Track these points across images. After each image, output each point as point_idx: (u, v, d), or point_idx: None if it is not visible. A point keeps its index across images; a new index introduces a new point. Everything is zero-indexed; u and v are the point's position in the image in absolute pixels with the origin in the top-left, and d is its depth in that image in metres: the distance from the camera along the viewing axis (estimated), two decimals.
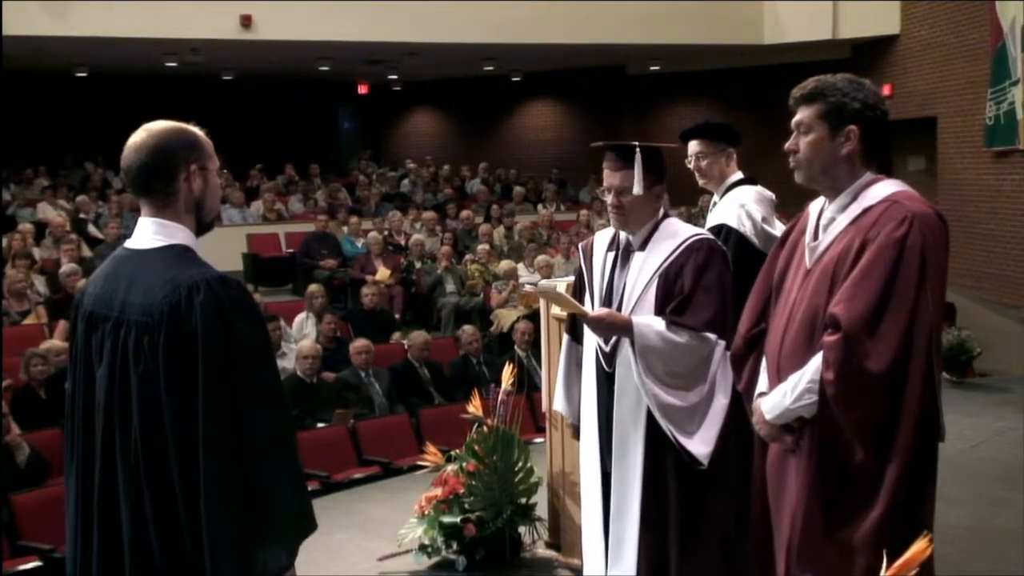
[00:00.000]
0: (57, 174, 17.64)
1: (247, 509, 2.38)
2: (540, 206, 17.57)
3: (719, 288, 3.84)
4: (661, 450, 3.82)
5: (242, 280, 4.37)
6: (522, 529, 5.47)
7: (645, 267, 3.92)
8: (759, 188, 4.75)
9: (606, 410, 3.96)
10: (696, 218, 13.34)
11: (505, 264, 12.79)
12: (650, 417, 3.82)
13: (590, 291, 4.09)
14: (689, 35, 16.40)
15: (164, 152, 2.57)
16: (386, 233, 14.52)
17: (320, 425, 8.62)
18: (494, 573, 5.30)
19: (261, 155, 19.28)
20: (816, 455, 2.97)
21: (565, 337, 4.35)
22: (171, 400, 2.41)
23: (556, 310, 5.00)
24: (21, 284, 10.64)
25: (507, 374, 5.48)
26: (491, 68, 19.51)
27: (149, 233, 2.59)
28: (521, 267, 13.01)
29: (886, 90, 15.77)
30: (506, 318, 11.43)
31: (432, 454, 5.67)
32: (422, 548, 5.40)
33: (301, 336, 10.56)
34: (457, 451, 5.52)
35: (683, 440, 3.77)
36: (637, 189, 3.87)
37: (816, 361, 2.96)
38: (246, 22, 14.63)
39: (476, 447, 5.39)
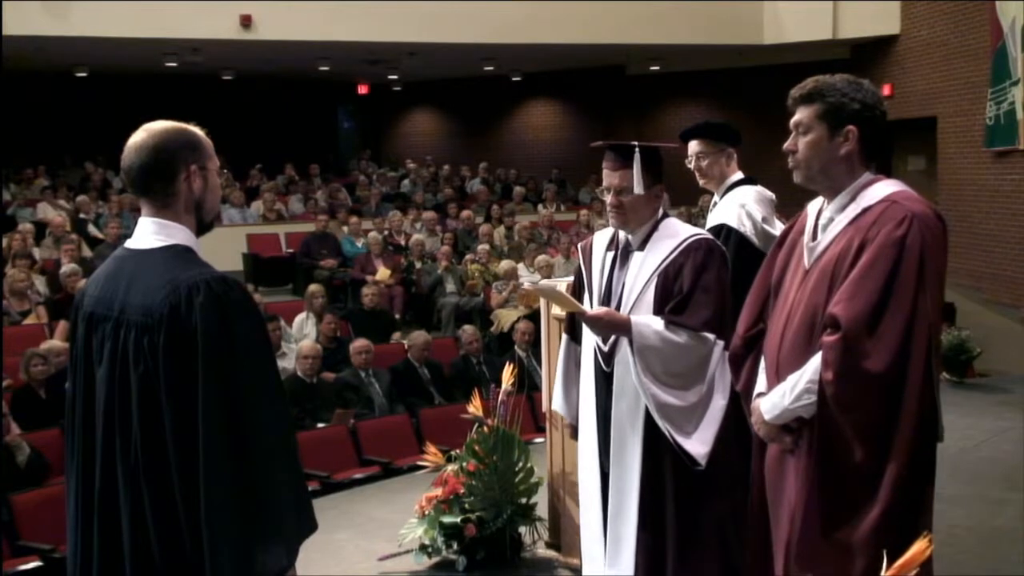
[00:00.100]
0: (57, 174, 17.63)
1: (247, 509, 2.38)
2: (540, 206, 17.57)
3: (718, 288, 3.84)
4: (659, 450, 3.82)
5: (242, 280, 4.37)
6: (522, 529, 5.47)
7: (644, 267, 3.92)
8: (759, 188, 4.76)
9: (604, 410, 3.96)
10: (696, 218, 13.34)
11: (505, 264, 12.80)
12: (648, 417, 3.82)
13: (589, 290, 4.09)
14: (689, 35, 16.41)
15: (164, 152, 2.57)
16: (386, 233, 14.52)
17: (320, 425, 8.62)
18: (494, 573, 5.30)
19: (261, 155, 19.27)
20: (815, 455, 2.97)
21: (563, 337, 4.35)
22: (171, 400, 2.41)
23: (556, 310, 5.00)
24: (22, 283, 10.64)
25: (507, 374, 5.48)
26: (491, 68, 19.51)
27: (149, 233, 2.59)
28: (521, 267, 13.01)
29: (886, 90, 15.79)
30: (506, 318, 11.44)
31: (432, 454, 5.66)
32: (422, 548, 5.40)
33: (301, 336, 10.56)
34: (457, 451, 5.52)
35: (681, 440, 3.77)
36: (637, 189, 3.87)
37: (815, 361, 2.96)
38: (246, 22, 14.63)
39: (476, 447, 5.39)
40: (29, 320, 10.39)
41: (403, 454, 8.19)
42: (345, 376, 9.34)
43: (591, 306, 3.99)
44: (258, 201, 16.15)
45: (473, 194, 18.59)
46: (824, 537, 2.96)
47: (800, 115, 3.10)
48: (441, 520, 5.34)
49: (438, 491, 5.45)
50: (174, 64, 16.76)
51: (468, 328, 10.55)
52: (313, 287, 11.43)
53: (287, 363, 9.49)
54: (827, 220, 3.11)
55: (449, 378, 9.88)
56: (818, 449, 2.97)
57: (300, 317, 10.98)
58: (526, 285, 11.84)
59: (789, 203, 4.51)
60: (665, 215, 4.04)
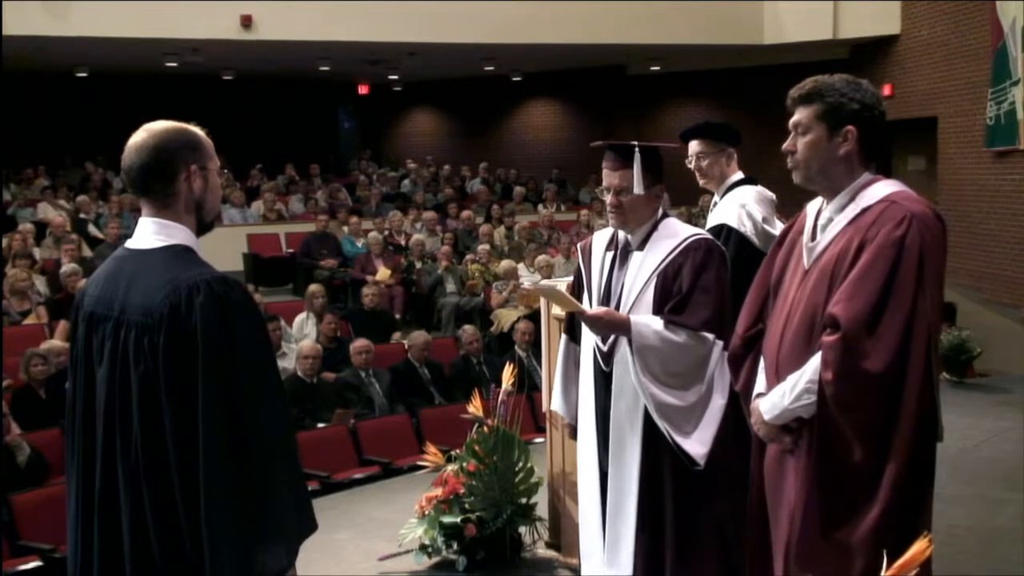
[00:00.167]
0: (57, 174, 17.63)
1: (247, 509, 2.38)
2: (540, 206, 17.58)
3: (717, 288, 3.85)
4: (658, 450, 3.82)
5: (242, 280, 4.37)
6: (522, 529, 5.47)
7: (643, 266, 3.92)
8: (759, 188, 4.76)
9: (603, 410, 3.96)
10: (696, 218, 13.35)
11: (505, 264, 12.80)
12: (647, 417, 3.82)
13: (588, 290, 4.09)
14: (689, 35, 16.41)
15: (164, 152, 2.57)
16: (386, 233, 14.53)
17: (320, 425, 8.62)
18: (494, 573, 5.30)
19: (261, 155, 19.28)
20: (815, 455, 2.97)
21: (562, 337, 4.35)
22: (171, 400, 2.41)
23: (556, 310, 5.00)
24: (23, 283, 10.64)
25: (507, 374, 5.48)
26: (491, 68, 19.51)
27: (149, 233, 2.59)
28: (521, 267, 13.01)
29: (886, 90, 15.79)
30: (506, 318, 11.44)
31: (432, 454, 5.66)
32: (422, 548, 5.40)
33: (301, 336, 10.56)
34: (457, 451, 5.52)
35: (680, 440, 3.77)
36: (636, 189, 3.87)
37: (815, 361, 2.96)
38: (246, 22, 14.63)
39: (476, 447, 5.39)
40: (29, 320, 10.40)
41: (403, 454, 8.19)
42: (345, 376, 9.34)
43: (590, 306, 3.99)
44: (258, 201, 16.16)
45: (473, 194, 18.60)
46: (824, 537, 2.96)
47: (799, 115, 3.10)
48: (441, 520, 5.34)
49: (438, 491, 5.45)
50: (174, 64, 16.77)
51: (468, 328, 10.55)
52: (313, 287, 11.43)
53: (287, 363, 9.49)
54: (826, 220, 3.11)
55: (449, 378, 9.88)
56: (818, 449, 2.97)
57: (300, 317, 10.98)
58: (526, 285, 11.85)
59: (789, 203, 4.51)
60: (665, 215, 4.04)
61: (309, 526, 2.54)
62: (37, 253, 12.42)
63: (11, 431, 7.30)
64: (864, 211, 3.02)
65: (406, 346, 10.05)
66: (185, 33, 14.49)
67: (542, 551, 5.50)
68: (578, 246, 4.38)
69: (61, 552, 6.06)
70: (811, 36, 16.22)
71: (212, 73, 18.88)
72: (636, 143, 3.92)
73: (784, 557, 3.09)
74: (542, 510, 5.52)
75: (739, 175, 4.80)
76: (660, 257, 3.90)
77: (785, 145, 3.14)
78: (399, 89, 22.78)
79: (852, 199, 3.07)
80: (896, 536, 2.73)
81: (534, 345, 9.40)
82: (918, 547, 2.50)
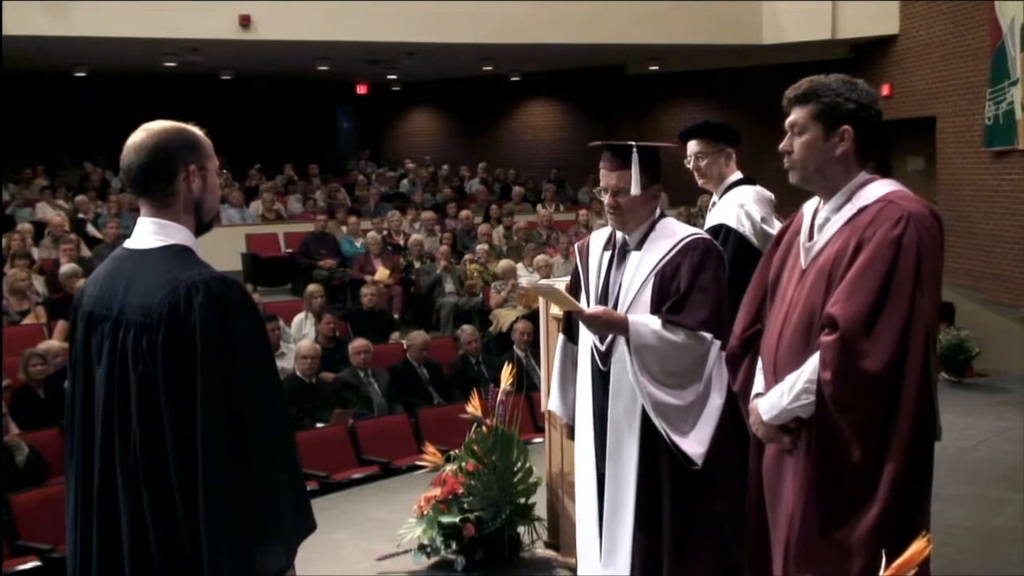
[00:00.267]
0: (56, 174, 17.61)
1: (246, 509, 2.38)
2: (539, 206, 17.58)
3: (715, 288, 3.85)
4: (656, 450, 3.82)
5: (241, 280, 4.37)
6: (521, 529, 5.47)
7: (641, 266, 3.92)
8: (758, 188, 4.76)
9: (601, 409, 3.96)
10: (695, 218, 13.34)
11: (504, 264, 12.79)
12: (645, 417, 3.82)
13: (586, 290, 4.09)
14: (688, 35, 16.41)
15: (163, 152, 2.57)
16: (385, 233, 14.52)
17: (319, 425, 8.62)
18: (493, 573, 5.30)
19: (260, 155, 19.27)
20: (813, 455, 2.97)
21: (560, 337, 4.35)
22: (170, 400, 2.41)
23: (555, 310, 5.00)
24: (22, 283, 10.64)
25: (506, 374, 5.48)
26: (490, 68, 19.51)
27: (148, 233, 2.59)
28: (520, 267, 13.01)
29: (885, 90, 15.80)
30: (505, 318, 11.44)
31: (431, 454, 5.67)
32: (421, 548, 5.40)
33: (300, 336, 10.56)
34: (456, 451, 5.52)
35: (677, 439, 3.77)
36: (634, 190, 3.87)
37: (813, 361, 2.96)
38: (245, 22, 14.63)
39: (475, 447, 5.39)
40: (28, 320, 10.40)
41: (402, 454, 8.20)
42: (344, 376, 9.34)
43: (588, 306, 3.99)
44: (257, 201, 16.16)
45: (472, 194, 18.60)
46: (823, 537, 2.96)
47: (795, 115, 3.10)
48: (440, 520, 5.34)
49: (437, 491, 5.46)
50: (173, 64, 16.76)
51: (467, 328, 10.55)
52: (312, 287, 11.43)
53: (286, 363, 9.48)
54: (823, 220, 3.11)
55: (448, 378, 9.88)
56: (816, 449, 2.97)
57: (299, 317, 10.98)
58: (523, 283, 11.84)
59: (788, 203, 4.51)
60: (662, 215, 4.05)
61: (308, 526, 2.54)
62: (36, 253, 12.42)
63: (10, 431, 7.30)
64: (861, 211, 3.02)
65: (405, 346, 10.05)
66: (184, 33, 14.48)
67: (541, 551, 5.50)
68: (575, 246, 4.38)
69: (60, 552, 6.06)
70: (810, 36, 16.22)
71: (211, 73, 18.87)
72: (634, 143, 3.91)
73: (783, 557, 3.09)
74: (541, 510, 5.52)
75: (738, 175, 4.80)
76: (658, 257, 3.90)
77: (781, 145, 3.14)
78: (398, 89, 22.78)
79: (849, 199, 3.07)
80: (895, 536, 2.73)
81: (533, 345, 9.40)
82: (917, 547, 2.50)
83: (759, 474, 3.27)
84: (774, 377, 3.12)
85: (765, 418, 3.11)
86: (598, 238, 4.17)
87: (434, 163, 20.83)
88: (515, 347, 9.98)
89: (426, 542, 5.38)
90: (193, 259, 2.56)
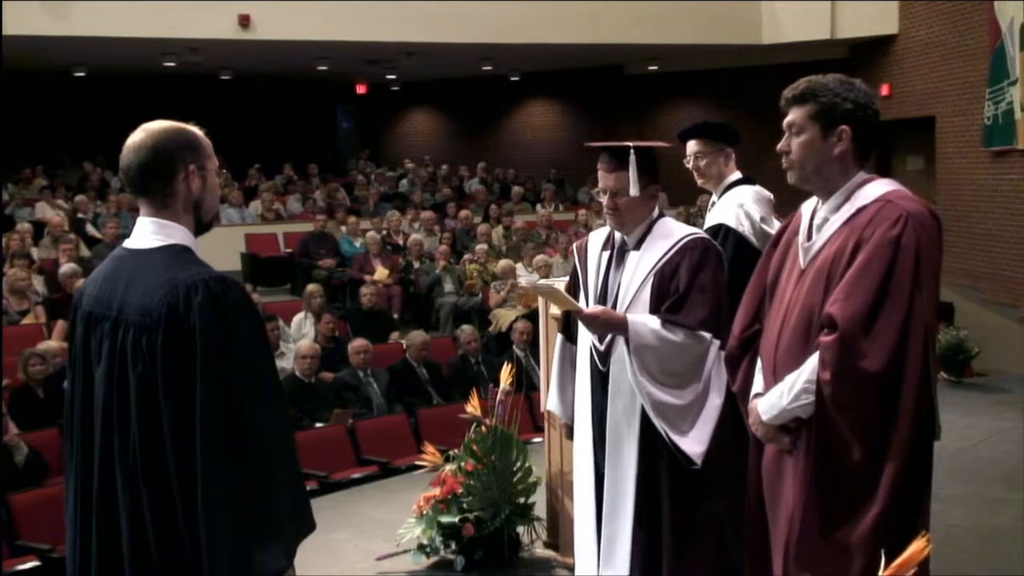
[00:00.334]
0: (56, 174, 17.61)
1: (245, 509, 2.38)
2: (538, 206, 17.58)
3: (714, 287, 3.85)
4: (655, 450, 3.82)
5: (240, 280, 4.37)
6: (520, 529, 5.47)
7: (640, 266, 3.92)
8: (757, 188, 4.76)
9: (600, 409, 3.96)
10: (695, 218, 13.35)
11: (503, 264, 12.79)
12: (644, 417, 3.82)
13: (585, 290, 4.08)
14: (687, 35, 16.42)
15: (163, 152, 2.57)
16: (384, 233, 14.52)
17: (318, 425, 8.62)
18: (492, 573, 5.30)
19: (259, 155, 19.27)
20: (813, 455, 2.97)
21: (558, 337, 4.35)
22: (169, 400, 2.41)
23: (555, 309, 5.00)
24: (22, 282, 10.64)
25: (505, 374, 5.48)
26: (489, 68, 19.51)
27: (148, 233, 2.59)
28: (520, 267, 13.01)
29: (884, 90, 15.80)
30: (504, 318, 11.43)
31: (430, 454, 5.67)
32: (420, 548, 5.40)
33: (299, 336, 10.56)
34: (455, 451, 5.52)
35: (677, 439, 3.77)
36: (632, 191, 3.87)
37: (813, 361, 2.96)
38: (244, 22, 14.63)
39: (474, 447, 5.39)
40: (27, 320, 10.40)
41: (401, 454, 8.19)
42: (343, 376, 9.34)
43: (587, 306, 3.99)
44: (256, 201, 16.16)
45: (471, 194, 18.60)
46: (823, 537, 2.96)
47: (793, 116, 3.10)
48: (439, 520, 5.34)
49: (436, 491, 5.46)
50: (173, 64, 16.76)
51: (466, 328, 10.55)
52: (311, 287, 11.43)
53: (285, 363, 9.48)
54: (822, 220, 3.11)
55: (447, 378, 9.88)
56: (816, 449, 2.97)
57: (298, 317, 10.98)
58: (522, 282, 11.84)
59: (787, 203, 4.51)
60: (661, 214, 4.04)
61: (307, 526, 2.54)
62: (35, 253, 12.41)
63: (9, 431, 7.30)
64: (860, 211, 3.02)
65: (404, 346, 10.04)
66: (183, 33, 14.49)
67: (540, 551, 5.50)
68: (574, 246, 4.38)
69: (59, 552, 6.06)
70: (809, 36, 16.22)
71: (210, 73, 18.87)
72: (631, 145, 3.91)
73: (783, 557, 3.09)
74: (540, 510, 5.53)
75: (737, 175, 4.80)
76: (657, 256, 3.90)
77: (779, 146, 3.14)
78: (397, 89, 22.77)
79: (847, 199, 3.07)
80: (895, 536, 2.73)
81: (532, 345, 9.40)
82: (916, 547, 2.50)
83: (758, 474, 3.27)
84: (773, 377, 3.12)
85: (765, 418, 3.11)
86: (596, 238, 4.16)
87: (433, 163, 20.83)
88: (514, 347, 9.98)
89: (425, 542, 5.38)
90: (192, 259, 2.56)
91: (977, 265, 14.03)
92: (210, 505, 2.36)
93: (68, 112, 19.46)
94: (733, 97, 18.31)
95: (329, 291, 12.42)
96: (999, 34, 13.16)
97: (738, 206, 4.60)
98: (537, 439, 6.54)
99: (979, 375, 11.13)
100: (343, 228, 14.81)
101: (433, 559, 5.40)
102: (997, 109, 13.30)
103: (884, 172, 3.22)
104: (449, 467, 5.49)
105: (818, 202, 3.16)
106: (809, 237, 3.14)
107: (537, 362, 7.36)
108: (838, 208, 3.08)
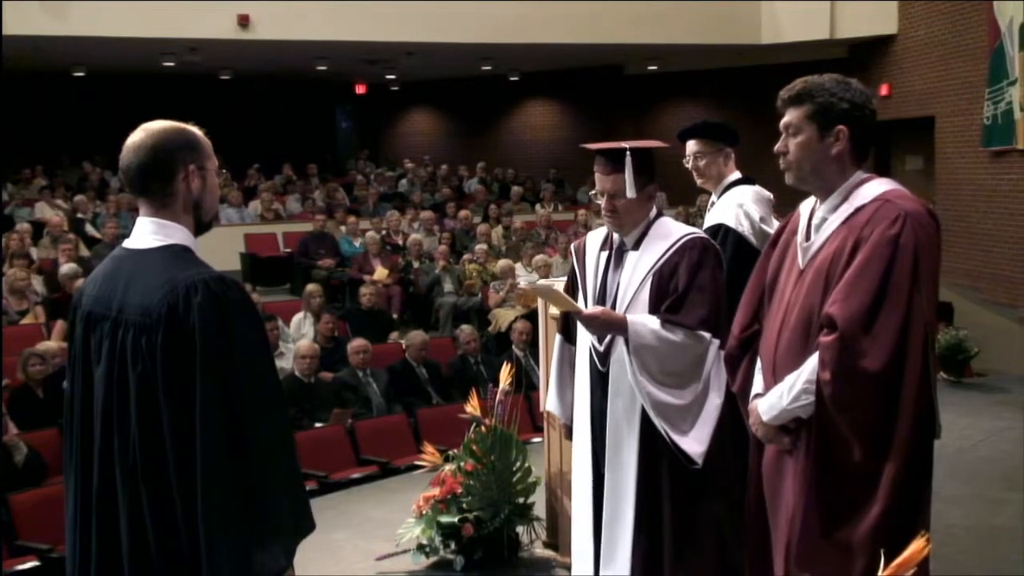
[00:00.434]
0: (55, 174, 17.62)
1: (245, 509, 2.38)
2: (538, 206, 17.58)
3: (713, 287, 3.85)
4: (656, 450, 3.82)
5: (240, 280, 4.37)
6: (520, 529, 5.47)
7: (639, 266, 3.92)
8: (757, 188, 4.76)
9: (600, 410, 3.96)
10: (694, 218, 13.34)
11: (503, 264, 12.79)
12: (644, 417, 3.82)
13: (583, 291, 4.08)
14: (687, 35, 16.42)
15: (162, 152, 2.57)
16: (384, 233, 14.52)
17: (318, 425, 8.62)
18: (492, 573, 5.30)
19: (259, 155, 19.27)
20: (813, 455, 2.97)
21: (557, 337, 4.35)
22: (169, 400, 2.41)
23: (554, 309, 5.00)
24: (21, 282, 10.64)
25: (505, 374, 5.48)
26: (489, 68, 19.51)
27: (147, 233, 2.59)
28: (519, 267, 13.01)
29: (883, 90, 15.80)
30: (504, 318, 11.44)
31: (430, 454, 5.67)
32: (420, 548, 5.40)
33: (299, 336, 10.56)
34: (455, 451, 5.52)
35: (677, 438, 3.77)
36: (629, 193, 3.86)
37: (812, 361, 2.96)
38: (244, 22, 14.63)
39: (474, 447, 5.39)
40: (27, 320, 10.40)
41: (401, 454, 8.19)
42: (343, 376, 9.34)
43: (585, 306, 3.99)
44: (256, 201, 16.16)
45: (471, 194, 18.60)
46: (824, 537, 2.96)
47: (790, 116, 3.10)
48: (439, 520, 5.34)
49: (436, 491, 5.46)
50: (172, 64, 16.76)
51: (466, 328, 10.55)
52: (311, 287, 11.43)
53: (285, 363, 9.48)
54: (820, 220, 3.11)
55: (447, 378, 9.88)
56: (816, 449, 2.97)
57: (298, 317, 10.98)
58: (522, 284, 11.84)
59: (787, 203, 4.51)
60: (659, 214, 4.04)
61: (307, 526, 2.54)
62: (35, 253, 12.42)
63: (9, 431, 7.30)
64: (858, 210, 3.02)
65: (404, 346, 10.04)
66: (183, 33, 14.49)
67: (540, 551, 5.50)
68: (572, 246, 4.38)
69: (59, 552, 6.06)
70: (808, 36, 16.22)
71: (210, 73, 18.87)
72: (627, 146, 3.90)
73: (784, 557, 3.09)
74: (540, 510, 5.53)
75: (736, 175, 4.80)
76: (655, 256, 3.89)
77: (777, 147, 3.14)
78: (397, 89, 22.77)
79: (845, 198, 3.07)
80: (896, 535, 2.73)
81: (532, 345, 9.40)
82: (916, 546, 2.50)
83: (759, 474, 3.27)
84: (773, 377, 3.12)
85: (765, 418, 3.11)
86: (595, 238, 4.16)
87: (433, 163, 20.83)
88: (514, 347, 9.98)
89: (425, 542, 5.38)
90: (192, 259, 2.56)
91: (976, 265, 14.03)
92: (210, 505, 2.36)
93: (67, 112, 19.45)
94: (732, 97, 18.31)
95: (328, 291, 12.42)
96: (998, 34, 13.16)
97: (738, 206, 4.60)
98: (537, 439, 6.54)
99: (978, 375, 11.13)
100: (342, 228, 14.81)
101: (433, 559, 5.40)
102: (996, 109, 13.30)
103: (883, 172, 3.22)
104: (448, 467, 5.49)
105: (816, 202, 3.16)
106: (808, 237, 3.14)
107: (537, 362, 7.36)
108: (836, 208, 3.08)
